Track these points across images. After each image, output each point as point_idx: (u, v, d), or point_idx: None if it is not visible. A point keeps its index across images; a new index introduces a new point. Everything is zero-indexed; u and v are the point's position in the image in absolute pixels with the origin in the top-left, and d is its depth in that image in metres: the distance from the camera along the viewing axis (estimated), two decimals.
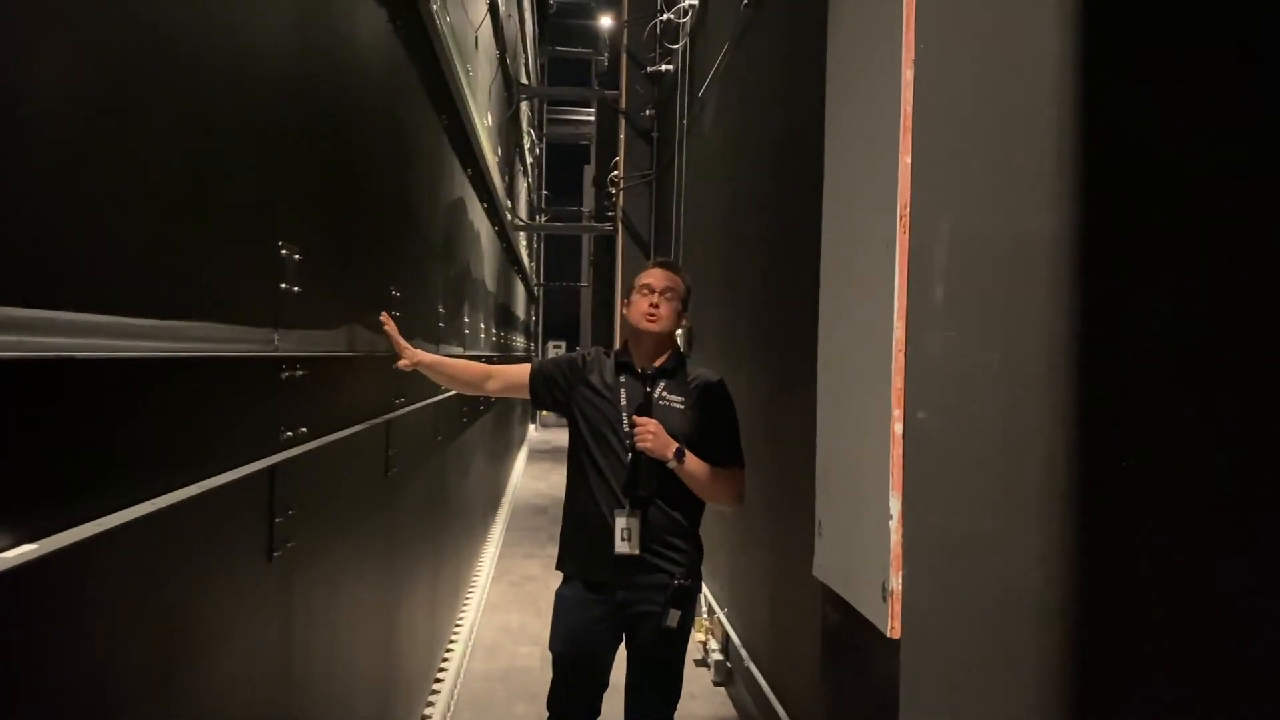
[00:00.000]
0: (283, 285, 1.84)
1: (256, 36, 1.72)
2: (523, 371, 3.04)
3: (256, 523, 1.78)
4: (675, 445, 2.74)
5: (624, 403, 2.85)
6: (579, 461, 2.90)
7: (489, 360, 6.21)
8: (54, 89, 1.06)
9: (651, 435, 2.72)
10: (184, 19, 1.40)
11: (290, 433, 1.87)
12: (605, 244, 13.42)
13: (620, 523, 2.75)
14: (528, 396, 3.03)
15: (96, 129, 1.15)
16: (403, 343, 2.88)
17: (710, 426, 2.86)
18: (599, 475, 2.82)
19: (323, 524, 2.27)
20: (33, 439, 1.01)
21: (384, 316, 2.80)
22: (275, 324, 1.81)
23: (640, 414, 2.78)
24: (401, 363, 2.88)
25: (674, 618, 2.75)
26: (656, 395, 2.85)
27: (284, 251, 1.84)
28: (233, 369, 1.59)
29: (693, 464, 2.76)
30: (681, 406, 2.84)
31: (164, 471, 1.31)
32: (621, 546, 2.75)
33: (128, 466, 1.22)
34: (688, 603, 2.80)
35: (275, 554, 1.85)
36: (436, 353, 4.06)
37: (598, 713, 2.91)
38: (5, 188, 0.96)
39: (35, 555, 0.94)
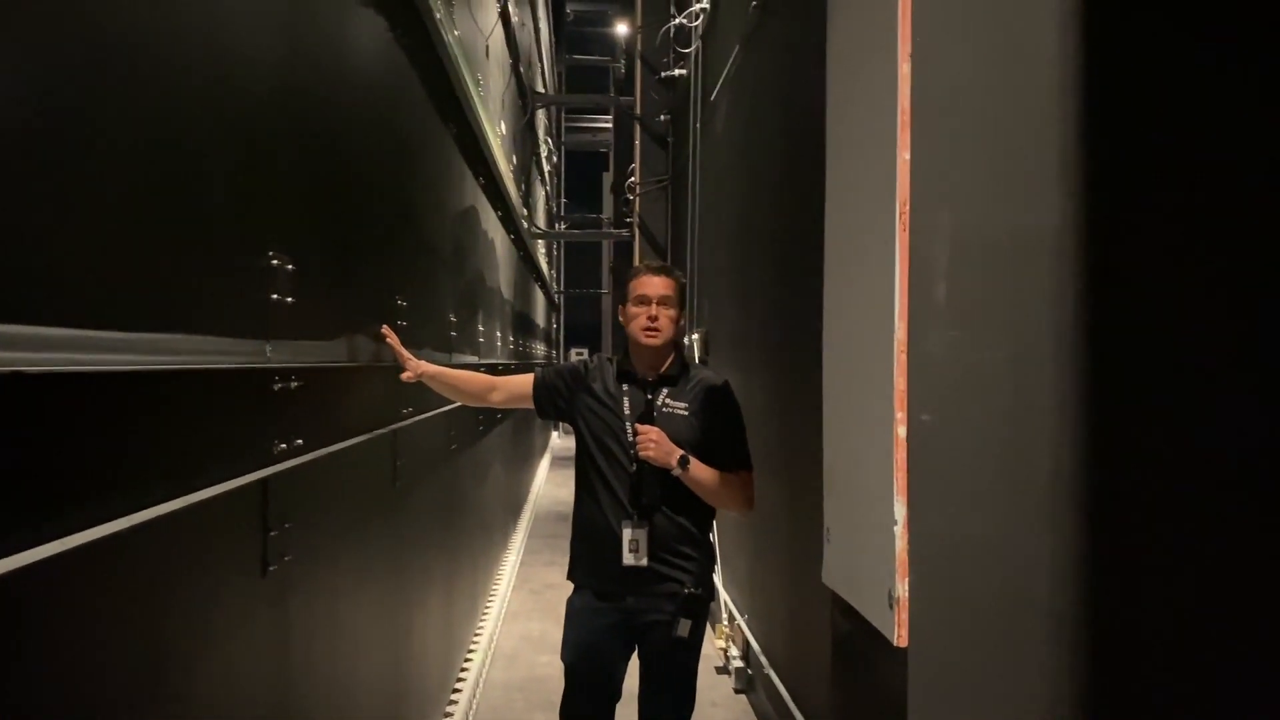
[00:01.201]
0: (274, 296, 1.82)
1: (240, 43, 1.70)
2: (526, 382, 3.00)
3: (249, 537, 1.76)
4: (679, 452, 2.70)
5: (627, 411, 2.81)
6: (585, 471, 2.87)
7: (505, 370, 6.22)
8: (28, 94, 1.05)
9: (654, 444, 2.68)
10: (165, 26, 1.38)
11: (284, 445, 1.85)
12: (624, 251, 13.41)
13: (627, 534, 2.72)
14: (532, 407, 3.00)
15: (73, 138, 1.14)
16: (406, 354, 2.86)
17: (715, 431, 2.81)
18: (605, 485, 2.79)
19: (324, 536, 2.25)
20: (7, 453, 1.00)
21: (385, 329, 2.78)
22: (267, 335, 1.79)
23: (642, 423, 2.75)
24: (405, 375, 2.86)
25: (684, 627, 2.71)
26: (659, 402, 2.81)
27: (274, 262, 1.83)
28: (220, 381, 1.57)
29: (698, 470, 2.72)
30: (685, 412, 2.80)
31: (145, 485, 1.29)
32: (629, 558, 2.71)
33: (106, 480, 1.20)
34: (698, 611, 2.76)
35: (270, 568, 1.83)
36: (448, 363, 4.05)
37: None
38: None
39: None
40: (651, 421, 2.76)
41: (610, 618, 2.79)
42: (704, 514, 2.84)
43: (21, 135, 1.04)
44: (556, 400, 2.95)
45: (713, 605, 5.40)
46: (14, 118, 1.03)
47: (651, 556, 2.72)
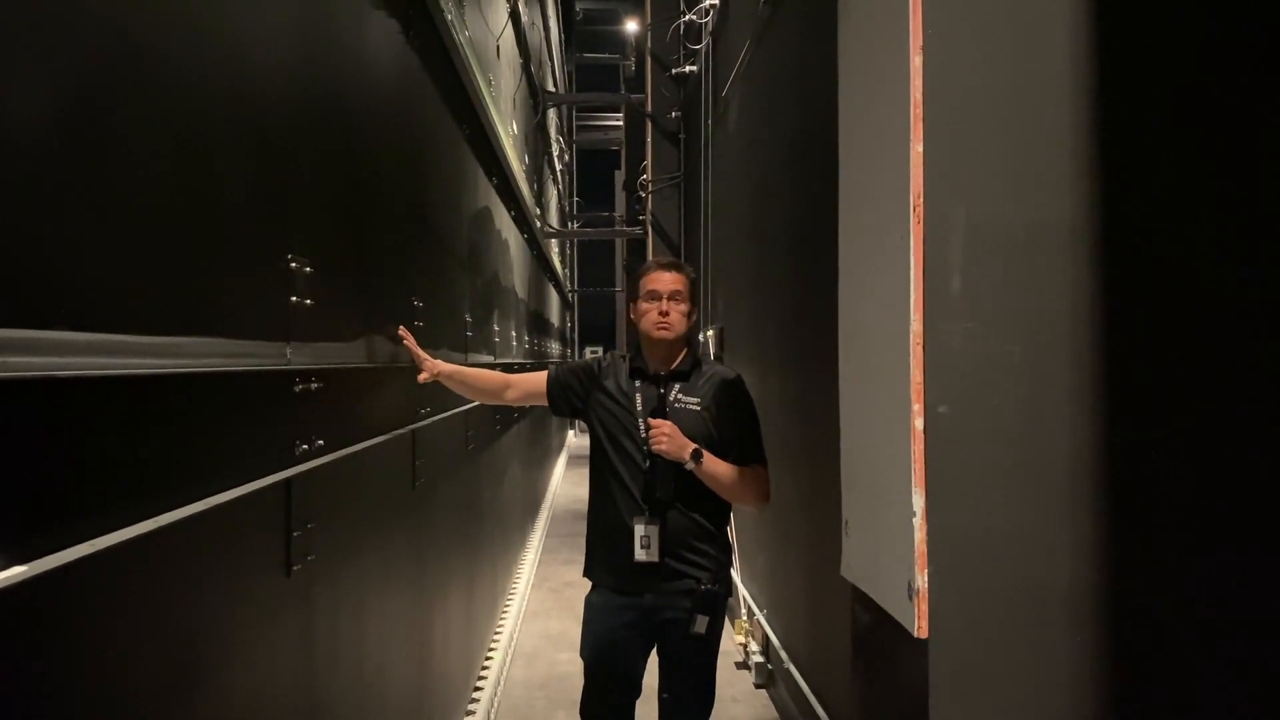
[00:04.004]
0: (293, 299, 1.84)
1: (256, 50, 1.72)
2: (540, 379, 3.02)
3: (273, 537, 1.77)
4: (692, 446, 2.69)
5: (639, 408, 2.81)
6: (599, 468, 2.88)
7: (520, 369, 6.23)
8: (47, 99, 1.06)
9: (666, 437, 2.67)
10: (182, 33, 1.40)
11: (305, 446, 1.87)
12: (637, 248, 13.42)
13: (639, 530, 2.72)
14: (547, 404, 3.01)
15: (96, 145, 1.15)
16: (422, 355, 2.87)
17: (729, 425, 2.81)
18: (618, 482, 2.79)
19: (346, 537, 2.27)
20: (39, 457, 1.01)
21: (402, 330, 2.79)
22: (287, 337, 1.81)
23: (655, 418, 2.75)
24: (421, 376, 2.87)
25: (701, 624, 2.71)
26: (671, 397, 2.81)
27: (294, 265, 1.84)
28: (242, 383, 1.59)
29: (712, 465, 2.71)
30: (697, 407, 2.80)
31: (171, 487, 1.31)
32: (641, 554, 2.71)
33: (132, 483, 1.22)
34: (715, 608, 2.76)
35: (294, 568, 1.85)
36: (464, 362, 4.07)
37: (631, 719, 2.89)
38: (3, 208, 0.96)
39: (25, 576, 0.93)
40: (664, 416, 2.76)
41: (628, 616, 2.80)
42: (719, 509, 2.84)
43: (45, 143, 1.06)
44: (571, 398, 2.96)
45: (731, 601, 5.41)
46: (37, 126, 1.05)
47: (665, 552, 2.72)
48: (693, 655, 2.80)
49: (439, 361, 2.95)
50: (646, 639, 2.83)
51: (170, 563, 1.35)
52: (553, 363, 11.69)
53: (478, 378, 3.07)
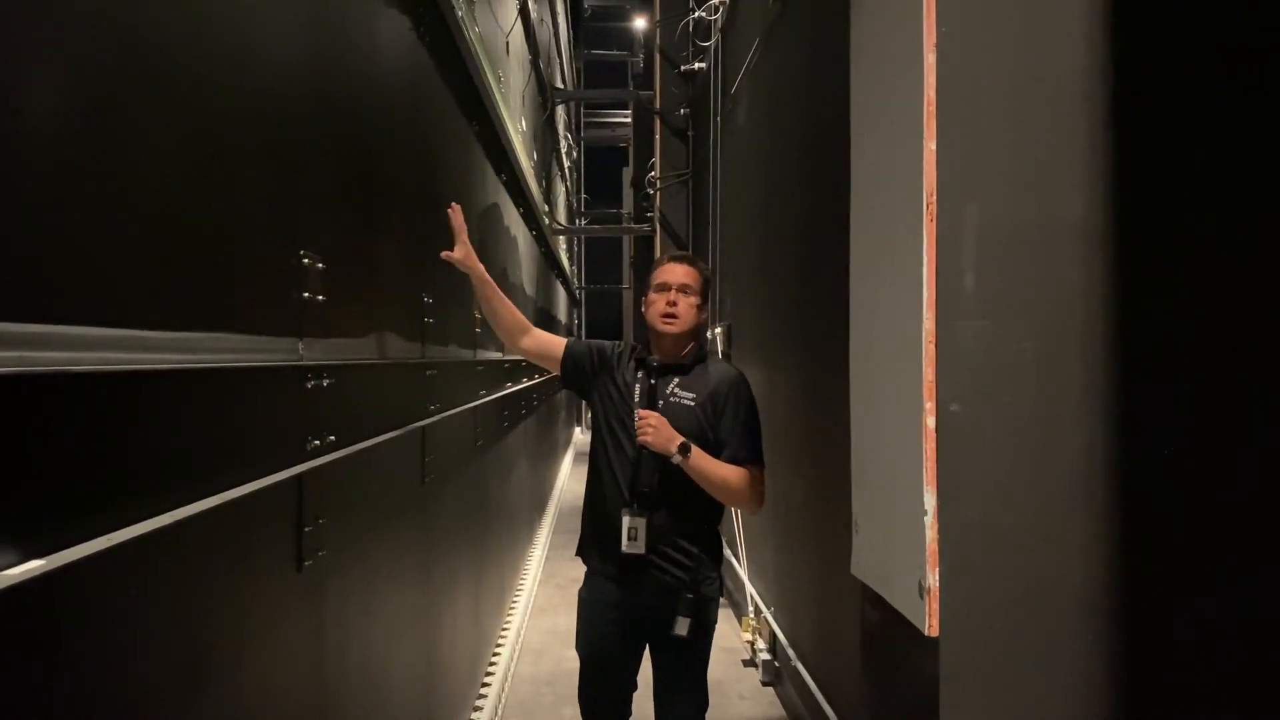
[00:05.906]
0: (305, 294, 1.84)
1: (268, 45, 1.72)
2: (558, 344, 2.99)
3: (284, 532, 1.78)
4: (679, 439, 2.64)
5: (636, 398, 2.80)
6: (596, 454, 2.87)
7: (529, 369, 6.22)
8: (61, 98, 1.07)
9: (653, 429, 2.63)
10: (194, 29, 1.40)
11: (317, 442, 1.87)
12: (645, 245, 13.40)
13: (626, 521, 2.70)
14: (556, 370, 2.99)
15: (111, 143, 1.16)
16: (464, 234, 2.84)
17: (724, 423, 2.76)
18: (610, 471, 2.78)
19: (356, 532, 2.28)
20: (54, 452, 1.02)
21: (455, 207, 2.82)
22: (299, 333, 1.81)
23: (646, 409, 2.72)
24: (450, 253, 2.83)
25: (683, 625, 2.67)
26: (668, 391, 2.79)
27: (305, 261, 1.85)
28: (255, 379, 1.59)
29: (701, 460, 2.67)
30: (692, 403, 2.76)
31: (184, 483, 1.31)
32: (628, 545, 2.70)
33: (147, 478, 1.22)
34: (700, 610, 2.73)
35: (305, 563, 1.85)
36: (473, 359, 4.07)
37: (628, 713, 2.89)
38: (20, 206, 0.97)
39: (41, 571, 0.94)
40: (655, 408, 2.74)
41: (615, 613, 2.80)
42: (709, 508, 2.80)
43: (59, 141, 1.06)
44: (580, 376, 2.94)
45: (738, 598, 5.40)
46: (50, 124, 1.05)
47: (650, 548, 2.71)
48: (679, 658, 2.79)
49: (475, 257, 2.87)
50: (636, 636, 2.83)
51: (184, 557, 1.35)
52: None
53: (504, 302, 2.99)
